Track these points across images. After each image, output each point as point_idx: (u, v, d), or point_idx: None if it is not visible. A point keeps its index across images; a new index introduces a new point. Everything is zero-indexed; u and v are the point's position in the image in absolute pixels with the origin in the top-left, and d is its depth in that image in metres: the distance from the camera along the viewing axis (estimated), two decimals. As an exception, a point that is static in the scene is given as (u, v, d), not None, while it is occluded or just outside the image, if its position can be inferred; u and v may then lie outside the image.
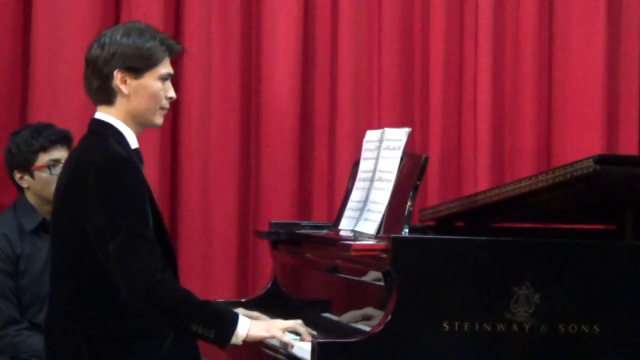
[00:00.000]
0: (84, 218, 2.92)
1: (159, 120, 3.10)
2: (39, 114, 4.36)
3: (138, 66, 3.02)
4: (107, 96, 3.05)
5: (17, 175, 3.91)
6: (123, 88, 3.02)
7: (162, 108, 3.08)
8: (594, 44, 4.85)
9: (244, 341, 2.95)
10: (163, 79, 3.06)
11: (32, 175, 3.89)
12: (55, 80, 4.44)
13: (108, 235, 2.88)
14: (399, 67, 4.79)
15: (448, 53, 4.80)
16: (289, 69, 4.65)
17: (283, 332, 3.00)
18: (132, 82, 3.02)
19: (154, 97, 3.05)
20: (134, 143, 3.06)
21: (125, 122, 3.05)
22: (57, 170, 3.87)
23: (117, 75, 3.01)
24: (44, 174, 3.88)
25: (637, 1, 4.92)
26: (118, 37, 3.03)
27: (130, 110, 3.04)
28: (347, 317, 3.15)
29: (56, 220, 3.08)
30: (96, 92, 3.06)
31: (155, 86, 3.05)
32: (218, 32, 4.62)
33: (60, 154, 3.89)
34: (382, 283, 2.98)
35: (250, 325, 2.95)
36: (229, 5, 4.64)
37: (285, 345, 3.01)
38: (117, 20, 4.54)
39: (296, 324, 3.05)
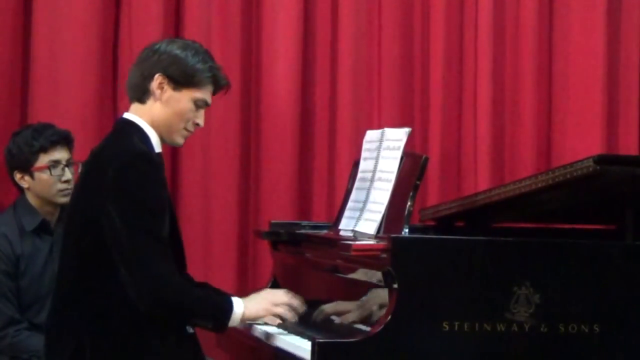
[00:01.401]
0: (99, 212, 2.92)
1: (179, 140, 3.14)
2: (39, 114, 4.35)
3: (179, 79, 3.06)
4: (140, 94, 3.08)
5: (18, 176, 3.90)
6: (158, 93, 3.06)
7: (186, 129, 3.12)
8: (594, 44, 4.85)
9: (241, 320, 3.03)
10: (197, 104, 3.10)
11: (32, 176, 3.88)
12: (55, 80, 4.44)
13: (123, 232, 2.89)
14: (399, 67, 4.79)
15: (448, 53, 4.80)
16: (289, 69, 4.65)
17: (275, 307, 3.07)
18: (168, 91, 3.06)
19: (182, 114, 3.08)
20: (157, 147, 3.08)
21: (151, 126, 3.07)
22: (58, 171, 3.86)
23: (157, 78, 3.05)
24: (44, 175, 3.87)
25: (637, 1, 4.92)
26: (174, 47, 3.09)
27: (156, 116, 3.07)
28: (347, 317, 3.15)
29: (70, 216, 3.10)
30: (132, 87, 3.11)
31: (187, 105, 3.08)
32: (218, 32, 4.62)
33: (60, 154, 3.88)
34: (382, 283, 2.98)
35: (245, 307, 3.01)
36: (229, 5, 4.63)
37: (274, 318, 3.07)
38: (117, 20, 4.54)
39: (291, 300, 3.12)
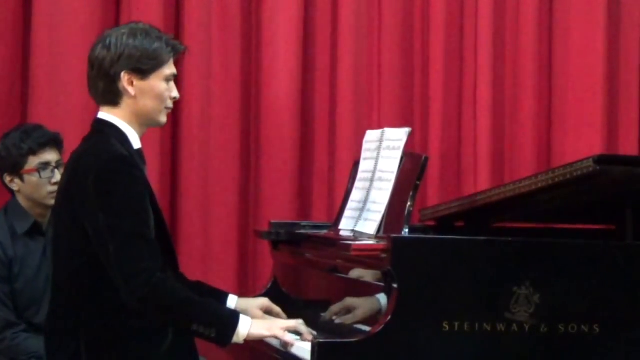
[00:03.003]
0: (84, 218, 2.93)
1: (163, 119, 3.13)
2: (39, 114, 4.36)
3: (145, 67, 3.04)
4: (113, 97, 3.05)
5: (7, 179, 3.86)
6: (130, 89, 3.03)
7: (166, 108, 3.11)
8: (594, 44, 4.86)
9: (246, 340, 2.95)
10: (168, 79, 3.09)
11: (22, 179, 3.84)
12: (55, 80, 4.44)
13: (108, 236, 2.88)
14: (399, 67, 4.79)
15: (448, 53, 4.81)
16: (289, 69, 4.65)
17: (284, 332, 3.01)
18: (138, 83, 3.04)
19: (160, 97, 3.07)
20: (136, 143, 3.07)
21: (129, 123, 3.06)
22: (47, 173, 3.82)
23: (125, 77, 3.02)
24: (33, 178, 3.82)
25: (637, 1, 4.93)
26: (124, 38, 3.04)
27: (136, 110, 3.06)
28: (346, 317, 3.15)
29: (57, 220, 3.09)
30: (102, 94, 3.07)
31: (161, 87, 3.07)
32: (218, 32, 4.62)
33: (50, 156, 3.84)
34: (382, 283, 2.98)
35: (252, 324, 2.95)
36: (229, 5, 4.64)
37: (286, 344, 3.01)
38: (117, 20, 4.54)
39: (297, 323, 3.05)
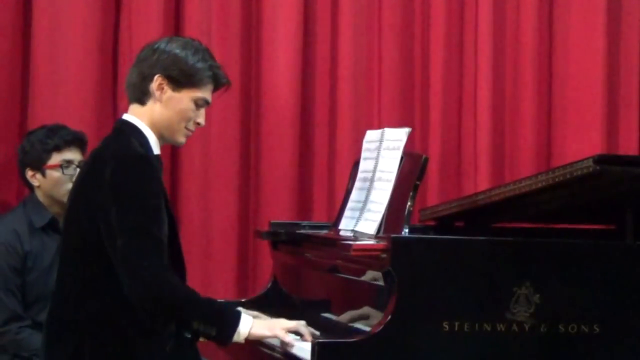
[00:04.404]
0: (97, 211, 2.93)
1: (181, 139, 3.12)
2: (39, 114, 4.36)
3: (179, 79, 3.05)
4: (140, 95, 3.07)
5: (29, 173, 3.92)
6: (158, 94, 3.05)
7: (187, 129, 3.11)
8: (594, 44, 4.86)
9: (246, 340, 2.96)
10: (198, 103, 3.09)
11: (43, 174, 3.90)
12: (55, 80, 4.43)
13: (117, 230, 2.89)
14: (399, 67, 4.79)
15: (448, 53, 4.81)
16: (289, 69, 4.65)
17: (285, 332, 3.00)
18: (168, 92, 3.05)
19: (182, 114, 3.07)
20: (156, 149, 3.08)
21: (151, 128, 3.07)
22: (70, 171, 3.87)
23: (157, 80, 3.04)
24: (55, 174, 3.88)
25: (637, 1, 4.93)
26: (173, 46, 3.07)
27: (157, 116, 3.06)
28: (346, 317, 3.15)
29: (70, 213, 3.09)
30: (132, 88, 3.09)
31: (188, 105, 3.07)
32: (218, 32, 4.62)
33: (73, 155, 3.91)
34: (382, 283, 2.98)
35: (253, 324, 2.96)
36: (229, 5, 4.64)
37: (286, 345, 3.01)
38: (117, 21, 4.54)
39: (299, 324, 3.04)
